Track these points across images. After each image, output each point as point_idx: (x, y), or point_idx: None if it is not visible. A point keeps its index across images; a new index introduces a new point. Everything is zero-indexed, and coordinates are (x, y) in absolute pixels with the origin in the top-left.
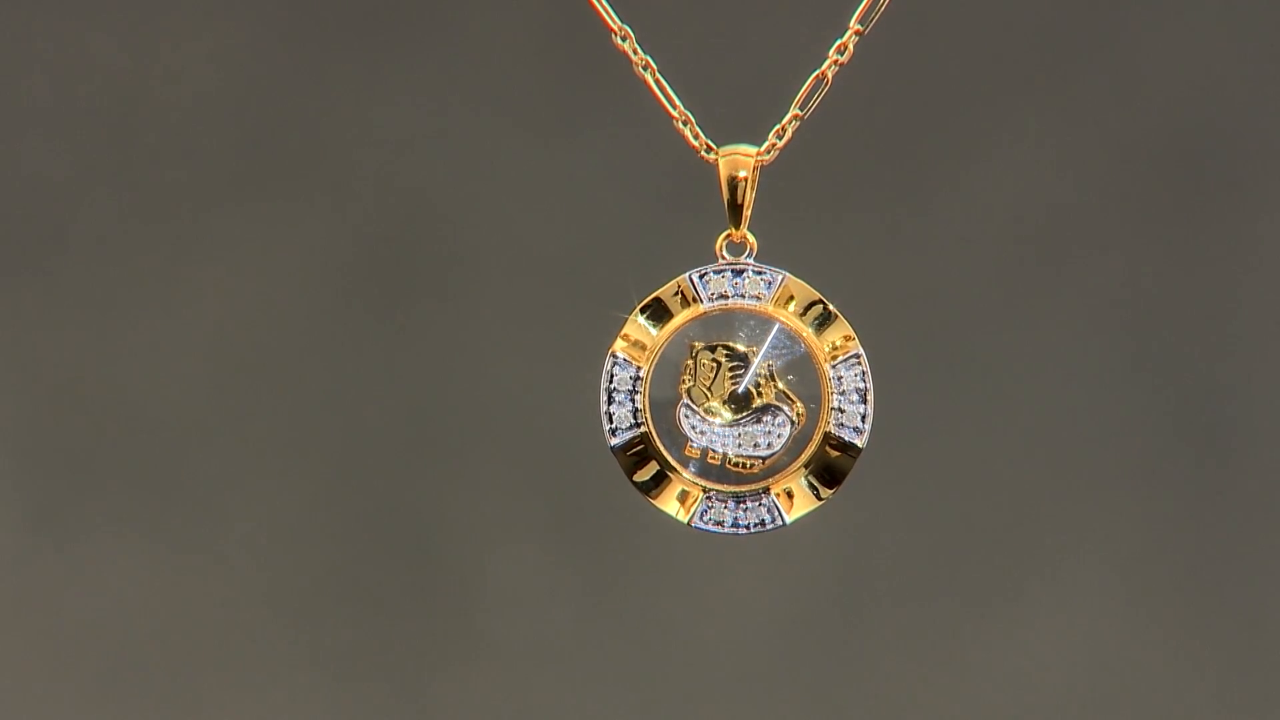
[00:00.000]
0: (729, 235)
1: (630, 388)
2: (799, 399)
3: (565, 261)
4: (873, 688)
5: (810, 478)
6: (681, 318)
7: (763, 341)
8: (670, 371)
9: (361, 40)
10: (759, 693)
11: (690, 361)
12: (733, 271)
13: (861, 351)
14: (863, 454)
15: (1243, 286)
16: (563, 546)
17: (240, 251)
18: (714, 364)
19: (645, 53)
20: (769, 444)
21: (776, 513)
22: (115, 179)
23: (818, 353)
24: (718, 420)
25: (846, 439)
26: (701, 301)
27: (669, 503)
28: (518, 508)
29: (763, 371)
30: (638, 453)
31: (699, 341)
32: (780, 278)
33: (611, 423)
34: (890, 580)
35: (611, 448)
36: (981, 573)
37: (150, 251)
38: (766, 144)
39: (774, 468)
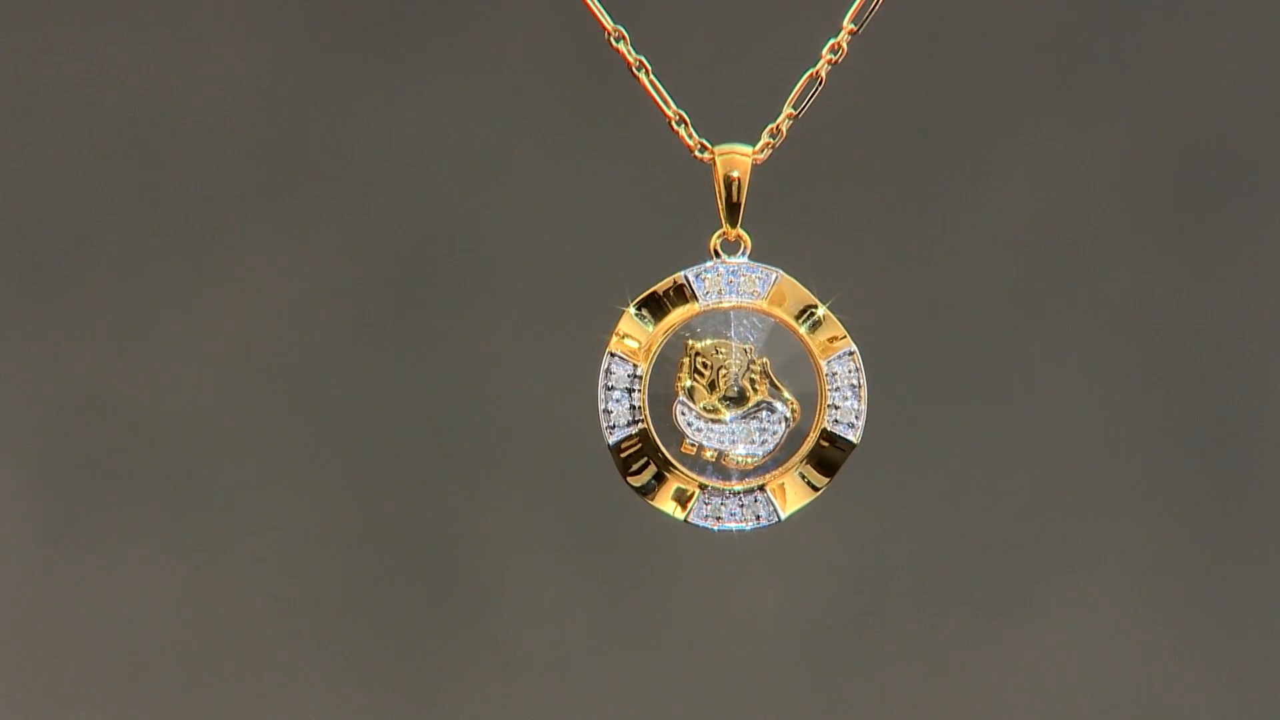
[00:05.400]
0: (724, 234)
1: (628, 385)
2: (794, 396)
3: (568, 265)
4: (888, 697)
5: (804, 472)
6: (677, 315)
7: (758, 339)
8: (667, 369)
9: (376, 52)
10: (774, 701)
11: (686, 359)
12: (728, 270)
13: (855, 348)
14: (857, 449)
15: (1258, 297)
16: (578, 555)
17: (258, 262)
18: (709, 362)
19: (639, 53)
20: (764, 440)
21: (772, 508)
22: (135, 190)
23: (813, 349)
24: (714, 417)
25: (842, 434)
26: (697, 299)
27: (666, 501)
28: (534, 516)
29: (758, 369)
30: (635, 451)
31: (694, 339)
32: (775, 276)
33: (609, 420)
34: (905, 588)
35: (608, 445)
36: (996, 580)
37: (170, 262)
38: (761, 143)
39: (770, 464)
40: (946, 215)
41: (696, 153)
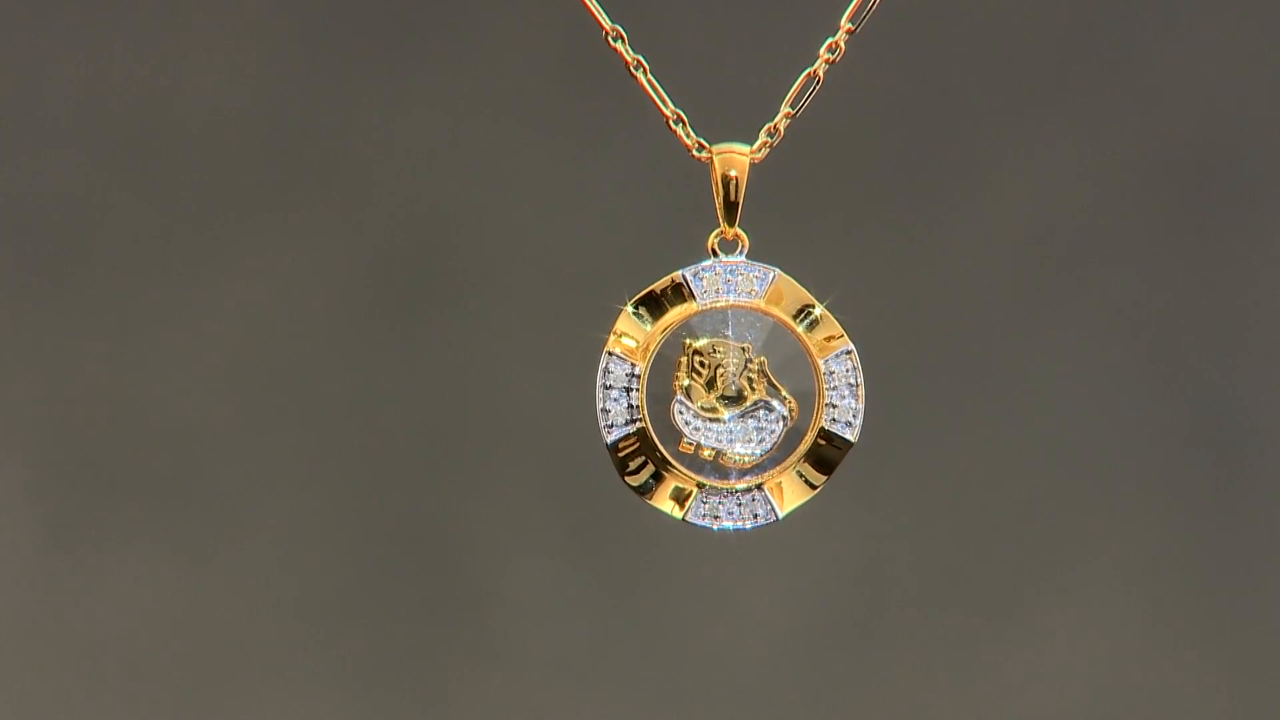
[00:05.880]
0: (721, 233)
1: (626, 384)
2: (792, 394)
3: (566, 264)
4: (888, 697)
5: (802, 471)
6: (675, 314)
7: (756, 338)
8: (665, 368)
9: (374, 52)
10: (773, 700)
11: (684, 358)
12: (726, 269)
13: (852, 346)
14: (855, 447)
15: (1259, 297)
16: (578, 554)
17: (259, 263)
18: (707, 361)
19: (637, 52)
20: (762, 439)
21: (770, 507)
22: (136, 190)
23: (810, 348)
24: (712, 416)
25: (840, 433)
26: (695, 298)
27: (664, 500)
28: (534, 516)
29: (755, 367)
30: (633, 450)
31: (692, 338)
32: (772, 275)
33: (607, 419)
34: (905, 588)
35: (606, 444)
36: (996, 580)
37: (171, 262)
38: (759, 142)
39: (768, 463)
40: (944, 215)
41: (694, 152)
